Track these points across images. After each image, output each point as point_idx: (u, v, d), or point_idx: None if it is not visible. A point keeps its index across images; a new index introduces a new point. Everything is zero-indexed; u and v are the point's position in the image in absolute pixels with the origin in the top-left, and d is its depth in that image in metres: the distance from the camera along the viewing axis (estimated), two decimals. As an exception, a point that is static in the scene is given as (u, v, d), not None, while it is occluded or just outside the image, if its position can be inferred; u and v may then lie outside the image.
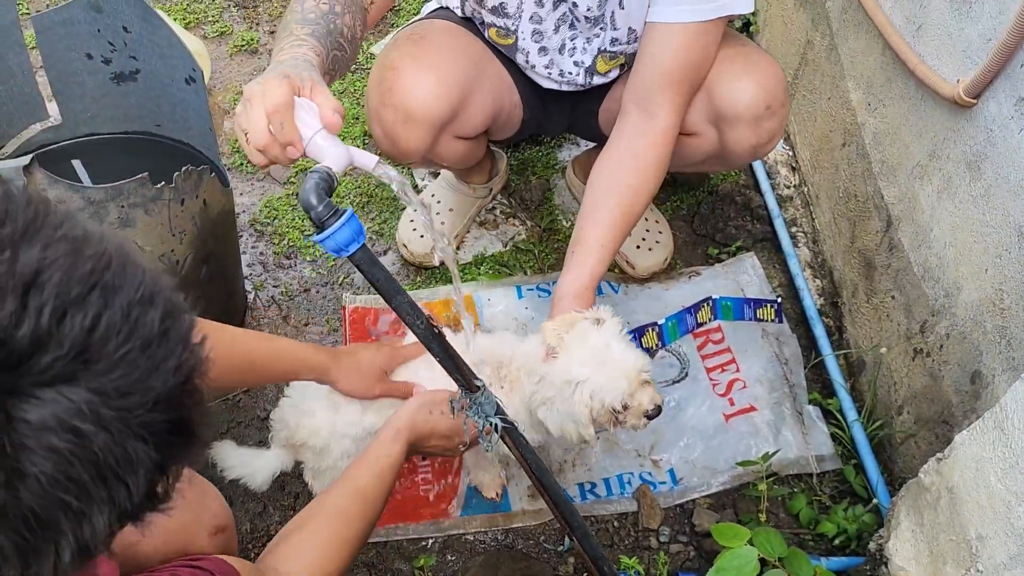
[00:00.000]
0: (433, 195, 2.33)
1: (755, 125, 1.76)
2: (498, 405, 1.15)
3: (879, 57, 1.97)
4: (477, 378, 1.14)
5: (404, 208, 2.37)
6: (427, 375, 1.60)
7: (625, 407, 1.45)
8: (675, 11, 1.66)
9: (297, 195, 1.25)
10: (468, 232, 2.38)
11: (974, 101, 1.59)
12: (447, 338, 1.13)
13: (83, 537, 0.62)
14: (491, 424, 1.14)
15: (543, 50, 1.86)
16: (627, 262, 2.26)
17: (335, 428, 1.60)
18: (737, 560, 1.47)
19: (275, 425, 1.67)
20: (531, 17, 1.80)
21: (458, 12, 1.93)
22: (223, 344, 1.45)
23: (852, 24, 2.12)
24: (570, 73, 1.90)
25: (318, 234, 0.97)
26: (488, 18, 1.83)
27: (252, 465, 1.61)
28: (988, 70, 1.52)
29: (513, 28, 1.83)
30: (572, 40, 1.84)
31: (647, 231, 2.28)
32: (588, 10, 1.75)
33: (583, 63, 1.88)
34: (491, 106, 1.90)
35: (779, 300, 2.15)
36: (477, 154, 2.07)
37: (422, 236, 2.25)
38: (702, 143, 1.84)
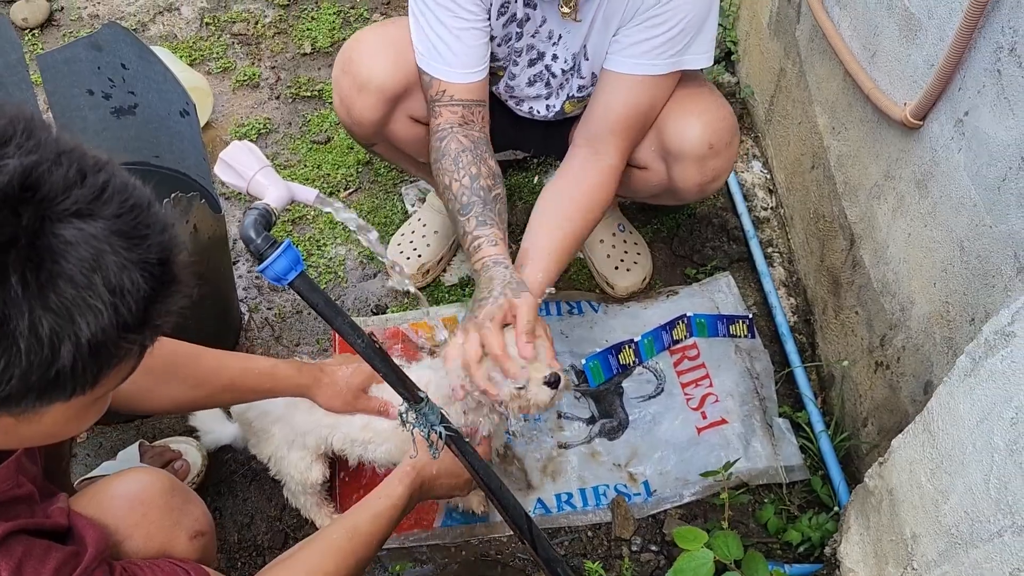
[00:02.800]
0: (420, 219, 2.43)
1: (700, 163, 1.85)
2: (442, 415, 1.23)
3: (841, 83, 2.05)
4: (420, 390, 1.22)
5: (394, 233, 2.47)
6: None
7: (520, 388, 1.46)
8: (631, 63, 1.76)
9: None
10: (454, 255, 2.47)
11: (920, 123, 1.66)
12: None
13: (96, 332, 0.82)
14: (436, 432, 1.21)
15: (514, 98, 1.98)
16: (607, 283, 2.34)
17: (283, 416, 1.72)
18: (694, 562, 1.53)
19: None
20: (508, 71, 1.92)
21: None
22: (205, 365, 1.55)
23: (818, 52, 2.20)
24: (540, 112, 2.02)
25: (258, 265, 1.06)
26: None
27: (214, 427, 1.89)
28: (930, 93, 1.60)
29: (500, 68, 1.94)
30: (547, 90, 1.96)
31: (625, 252, 2.36)
32: (564, 62, 1.86)
33: (553, 107, 2.00)
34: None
35: (751, 316, 2.22)
36: None
37: (408, 258, 2.35)
38: (652, 177, 1.94)
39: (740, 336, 2.21)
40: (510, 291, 1.53)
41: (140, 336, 0.89)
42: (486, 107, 1.84)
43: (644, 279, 2.35)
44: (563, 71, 1.89)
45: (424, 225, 2.40)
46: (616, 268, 2.34)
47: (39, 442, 1.01)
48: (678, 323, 2.23)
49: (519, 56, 1.89)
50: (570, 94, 1.95)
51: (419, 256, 2.35)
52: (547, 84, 1.94)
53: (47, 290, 0.79)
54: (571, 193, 1.79)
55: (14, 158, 0.79)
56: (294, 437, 1.73)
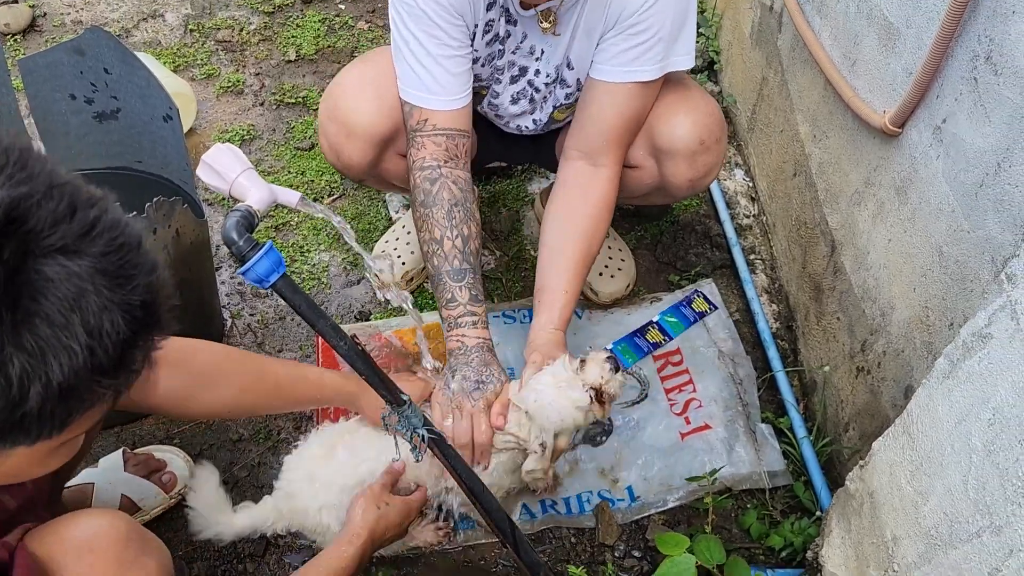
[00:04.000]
0: (404, 226, 2.43)
1: (691, 159, 1.86)
2: (425, 417, 1.23)
3: (822, 91, 2.07)
4: (403, 393, 1.22)
5: (377, 240, 2.47)
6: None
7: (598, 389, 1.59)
8: (621, 72, 1.77)
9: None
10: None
11: (899, 130, 1.69)
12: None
13: (68, 375, 0.80)
14: (419, 435, 1.21)
15: (499, 116, 1.99)
16: (590, 289, 2.35)
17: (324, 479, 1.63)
18: (676, 568, 1.53)
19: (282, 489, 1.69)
20: (491, 89, 1.93)
21: None
22: (252, 369, 1.54)
23: (799, 61, 2.23)
24: (528, 127, 2.02)
25: (240, 267, 1.06)
26: None
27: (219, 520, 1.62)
28: (909, 101, 1.62)
29: (483, 87, 1.95)
30: (531, 105, 1.96)
31: (609, 259, 2.37)
32: (547, 76, 1.87)
33: (540, 120, 2.00)
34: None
35: (699, 290, 2.33)
36: None
37: (400, 257, 2.35)
38: (643, 176, 1.95)
39: (706, 311, 2.30)
40: (491, 382, 1.67)
41: (114, 381, 0.86)
42: (468, 138, 1.83)
43: (628, 285, 2.36)
44: (546, 84, 1.90)
45: (408, 232, 2.40)
46: (600, 274, 2.34)
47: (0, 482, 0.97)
48: (649, 328, 2.26)
49: (501, 74, 1.89)
50: (556, 104, 1.96)
51: (403, 263, 2.35)
52: (531, 100, 1.94)
53: (22, 328, 0.77)
54: (577, 216, 1.82)
55: (3, 188, 0.77)
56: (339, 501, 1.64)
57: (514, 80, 1.91)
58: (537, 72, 1.88)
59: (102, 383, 0.84)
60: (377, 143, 1.87)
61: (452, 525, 1.90)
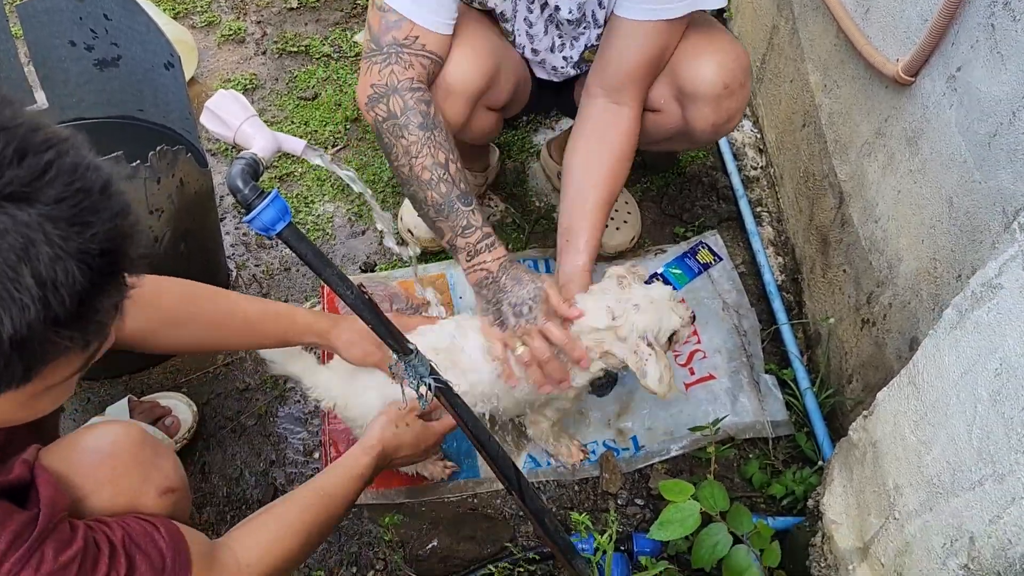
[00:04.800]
0: None
1: (715, 104, 1.84)
2: (431, 367, 1.23)
3: (833, 39, 2.04)
4: (409, 342, 1.22)
5: (389, 191, 2.45)
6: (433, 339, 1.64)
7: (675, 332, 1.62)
8: (645, 9, 1.72)
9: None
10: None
11: (912, 79, 1.66)
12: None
13: (20, 327, 0.77)
14: (426, 384, 1.22)
15: (535, 51, 1.95)
16: None
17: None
18: (680, 514, 1.55)
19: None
20: (524, 19, 1.89)
21: None
22: (221, 307, 1.53)
23: (811, 8, 2.18)
24: (560, 67, 1.99)
25: (246, 215, 1.05)
26: None
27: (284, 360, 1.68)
28: (923, 49, 1.59)
29: (510, 29, 1.92)
30: (560, 39, 1.92)
31: (616, 211, 2.36)
32: (570, 12, 1.83)
33: (571, 58, 1.96)
34: (513, 76, 1.95)
35: (704, 242, 2.32)
36: (499, 127, 2.11)
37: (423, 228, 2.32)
38: (666, 120, 1.93)
39: (711, 263, 2.30)
40: (535, 292, 1.63)
41: (76, 332, 0.83)
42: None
43: (633, 238, 2.35)
44: (568, 21, 1.86)
45: None
46: (606, 226, 2.33)
47: None
48: (654, 280, 2.26)
49: (532, 3, 1.85)
50: (588, 44, 1.91)
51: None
52: (558, 27, 1.89)
53: None
54: (601, 156, 1.80)
55: None
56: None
57: (542, 8, 1.85)
58: (557, 8, 1.83)
59: (60, 334, 0.82)
60: (474, 98, 1.81)
61: (458, 467, 1.94)
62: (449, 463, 1.92)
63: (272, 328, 1.57)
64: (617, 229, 2.33)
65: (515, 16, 1.89)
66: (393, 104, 1.65)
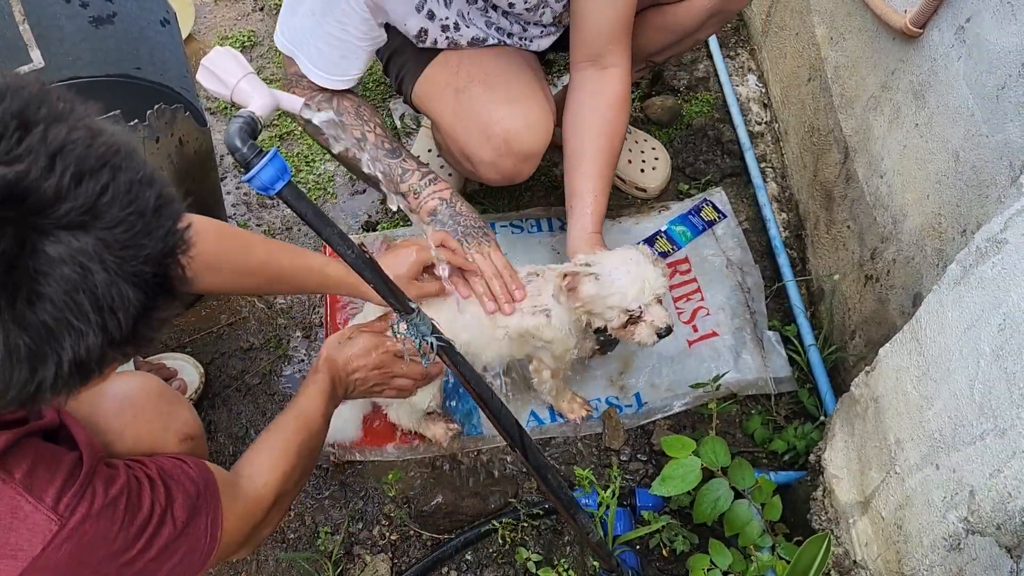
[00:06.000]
0: (429, 148, 2.37)
1: None
2: (433, 325, 1.23)
3: (841, -10, 2.00)
4: (411, 300, 1.22)
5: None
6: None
7: (638, 317, 1.60)
8: None
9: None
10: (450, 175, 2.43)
11: (920, 31, 1.63)
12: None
13: (80, 352, 0.79)
14: (427, 342, 1.22)
15: (510, 35, 1.93)
16: (636, 188, 2.36)
17: None
18: (682, 469, 1.56)
19: None
20: (495, 28, 1.88)
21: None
22: (258, 257, 1.54)
23: (818, -42, 2.14)
24: (543, 33, 1.96)
25: (245, 175, 1.03)
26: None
27: None
28: (931, 0, 1.56)
29: (493, 41, 1.91)
30: (536, 20, 1.90)
31: (643, 152, 2.39)
32: (526, 2, 1.81)
33: (556, 10, 1.91)
34: (547, 86, 1.97)
35: (708, 199, 2.32)
36: None
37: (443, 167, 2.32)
38: (699, 1, 1.90)
39: (715, 220, 2.30)
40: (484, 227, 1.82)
41: (131, 347, 0.85)
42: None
43: (668, 172, 2.38)
44: (528, 9, 1.84)
45: (438, 156, 2.35)
46: (642, 171, 2.35)
47: None
48: (657, 238, 2.25)
49: (489, 16, 1.85)
50: (555, 13, 1.89)
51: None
52: (515, 21, 1.88)
53: (26, 313, 0.75)
54: (593, 118, 1.82)
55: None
56: None
57: (483, 12, 1.85)
58: (512, 4, 1.81)
59: (117, 352, 0.83)
60: (545, 149, 1.87)
61: (461, 428, 1.94)
62: (453, 425, 1.93)
63: (304, 280, 1.60)
64: (653, 169, 2.36)
65: (487, 38, 1.89)
66: (299, 118, 1.69)
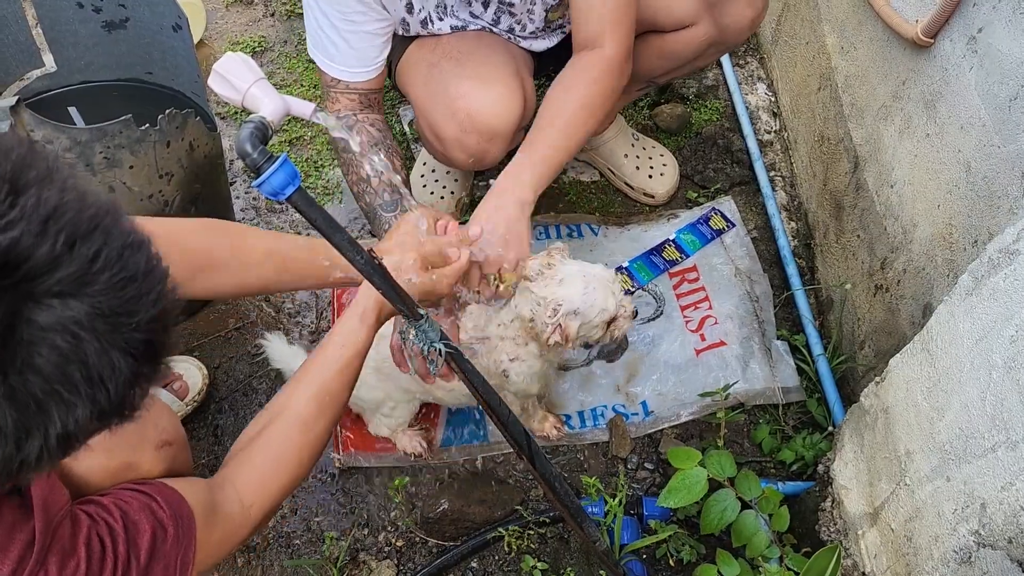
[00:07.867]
0: (425, 163, 2.37)
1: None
2: (442, 331, 1.23)
3: (851, 0, 2.00)
4: (419, 306, 1.22)
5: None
6: None
7: (612, 320, 1.56)
8: None
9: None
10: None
11: (931, 41, 1.62)
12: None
13: (68, 425, 0.75)
14: (436, 348, 1.21)
15: (496, 24, 1.92)
16: (645, 194, 2.36)
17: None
18: (688, 481, 1.56)
19: None
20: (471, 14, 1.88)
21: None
22: (258, 243, 1.47)
23: (829, -33, 2.14)
24: (533, 34, 1.95)
25: (255, 180, 1.03)
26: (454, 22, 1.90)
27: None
28: (943, 10, 1.56)
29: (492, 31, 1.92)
30: (520, 20, 1.90)
31: (650, 158, 2.38)
32: None
33: (537, 20, 1.90)
34: (529, 76, 1.96)
35: (716, 208, 2.32)
36: None
37: (442, 197, 2.30)
38: (698, 33, 1.92)
39: (723, 229, 2.29)
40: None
41: (117, 418, 0.81)
42: (382, 91, 1.88)
43: (676, 180, 2.37)
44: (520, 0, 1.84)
45: (432, 167, 2.34)
46: (650, 177, 2.34)
47: None
48: (666, 246, 2.25)
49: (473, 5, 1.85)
50: (547, 6, 1.87)
51: (451, 192, 2.31)
52: (511, 15, 1.88)
53: (15, 386, 0.71)
54: (574, 87, 1.69)
55: None
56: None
57: (486, 5, 1.85)
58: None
59: (103, 423, 0.80)
60: (514, 133, 1.84)
61: (433, 438, 1.95)
62: (424, 441, 1.91)
63: (309, 272, 1.51)
64: (661, 175, 2.36)
65: (468, 25, 1.89)
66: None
